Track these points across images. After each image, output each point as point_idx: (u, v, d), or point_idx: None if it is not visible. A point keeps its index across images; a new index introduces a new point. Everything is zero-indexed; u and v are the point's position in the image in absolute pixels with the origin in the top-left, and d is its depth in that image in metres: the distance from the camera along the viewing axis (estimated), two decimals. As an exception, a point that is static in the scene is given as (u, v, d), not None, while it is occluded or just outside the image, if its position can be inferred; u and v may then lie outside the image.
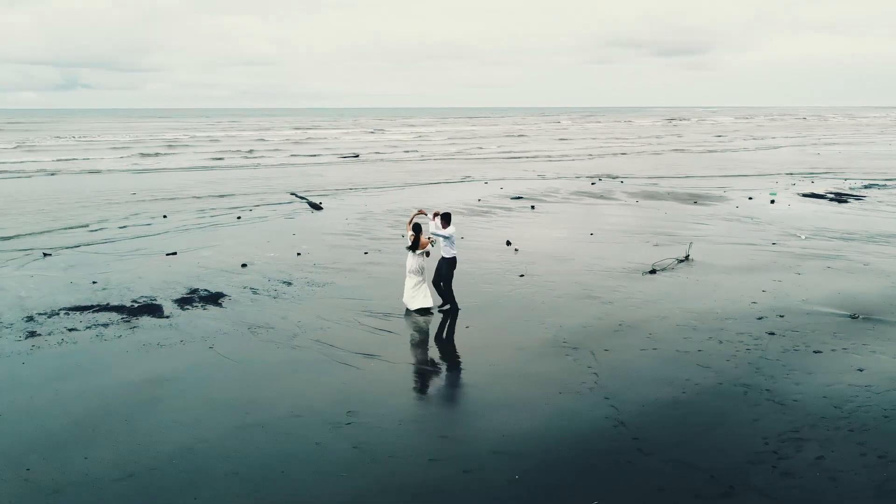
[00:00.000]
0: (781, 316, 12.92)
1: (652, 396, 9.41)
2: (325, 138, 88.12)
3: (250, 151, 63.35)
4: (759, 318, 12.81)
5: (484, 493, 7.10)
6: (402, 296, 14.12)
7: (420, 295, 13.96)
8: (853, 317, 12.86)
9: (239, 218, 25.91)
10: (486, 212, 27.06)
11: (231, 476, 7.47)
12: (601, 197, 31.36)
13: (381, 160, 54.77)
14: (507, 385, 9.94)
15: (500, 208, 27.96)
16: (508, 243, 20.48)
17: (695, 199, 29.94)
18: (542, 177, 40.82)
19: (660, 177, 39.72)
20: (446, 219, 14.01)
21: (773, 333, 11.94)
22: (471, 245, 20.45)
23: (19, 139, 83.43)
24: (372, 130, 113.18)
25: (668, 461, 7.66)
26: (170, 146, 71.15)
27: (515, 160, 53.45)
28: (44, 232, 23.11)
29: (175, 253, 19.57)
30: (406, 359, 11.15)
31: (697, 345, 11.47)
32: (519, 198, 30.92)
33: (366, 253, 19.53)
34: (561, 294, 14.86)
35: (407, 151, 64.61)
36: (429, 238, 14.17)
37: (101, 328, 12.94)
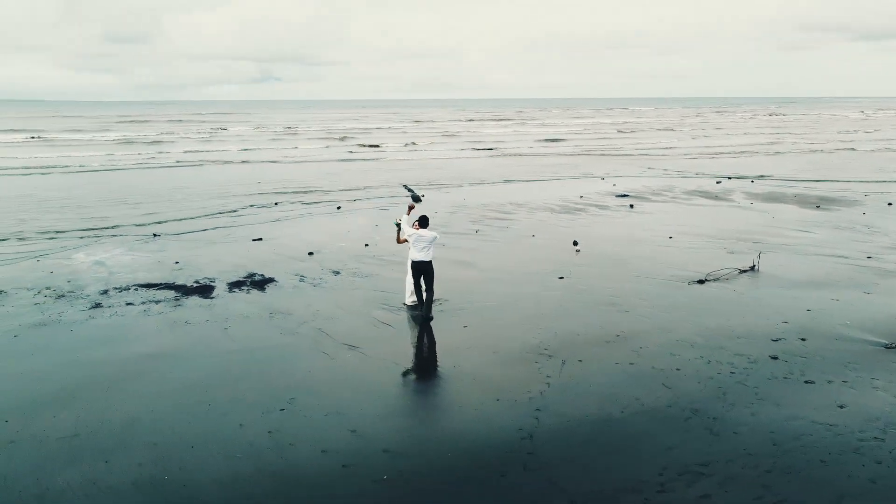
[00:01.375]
0: (803, 339, 11.79)
1: (586, 413, 9.15)
2: (474, 131, 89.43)
3: (376, 146, 65.62)
4: (776, 340, 11.78)
5: (344, 486, 7.45)
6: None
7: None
8: (888, 346, 11.45)
9: (339, 208, 27.49)
10: (579, 210, 26.55)
11: (148, 446, 8.40)
12: (715, 198, 29.49)
13: (517, 154, 54.92)
14: (452, 387, 10.10)
15: (597, 206, 27.28)
16: (575, 243, 20.11)
17: (818, 204, 27.30)
18: (666, 173, 38.98)
19: (800, 179, 36.43)
20: (422, 222, 13.98)
21: (775, 357, 10.98)
22: (537, 243, 20.36)
23: (210, 129, 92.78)
24: (521, 122, 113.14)
25: (541, 480, 7.53)
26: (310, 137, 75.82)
27: (648, 156, 51.30)
28: (170, 219, 26.02)
29: (260, 239, 21.32)
30: (381, 353, 11.57)
31: (680, 363, 10.85)
32: (624, 196, 29.92)
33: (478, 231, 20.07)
34: (585, 299, 14.52)
35: (550, 141, 64.14)
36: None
37: (153, 304, 14.62)
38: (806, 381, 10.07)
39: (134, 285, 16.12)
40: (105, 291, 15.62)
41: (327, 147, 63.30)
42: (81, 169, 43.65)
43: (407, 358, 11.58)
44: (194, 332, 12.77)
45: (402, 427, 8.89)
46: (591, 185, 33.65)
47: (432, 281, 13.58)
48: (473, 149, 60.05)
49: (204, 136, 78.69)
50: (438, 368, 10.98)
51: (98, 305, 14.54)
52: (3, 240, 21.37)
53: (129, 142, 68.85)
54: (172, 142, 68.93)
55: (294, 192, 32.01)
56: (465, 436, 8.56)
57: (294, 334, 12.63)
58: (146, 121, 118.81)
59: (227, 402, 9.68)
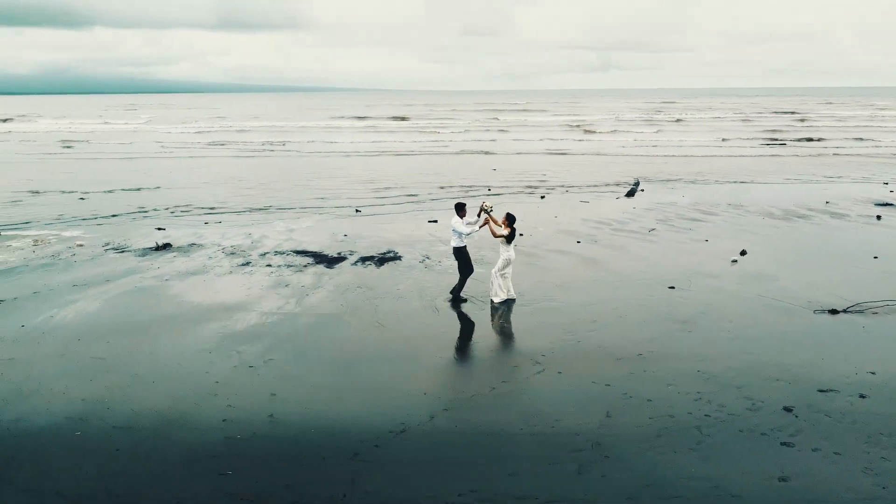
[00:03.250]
0: (863, 396, 9.18)
1: (482, 420, 8.65)
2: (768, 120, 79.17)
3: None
4: (823, 391, 9.38)
5: (164, 459, 8.22)
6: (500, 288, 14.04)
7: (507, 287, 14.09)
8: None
9: (543, 198, 27.57)
10: (803, 217, 22.78)
11: (64, 394, 10.14)
12: None
13: (808, 147, 47.78)
14: (397, 379, 10.13)
15: (832, 214, 23.08)
16: (743, 253, 17.65)
17: None
18: None
19: None
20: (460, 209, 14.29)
21: (755, 410, 8.82)
22: (698, 249, 18.32)
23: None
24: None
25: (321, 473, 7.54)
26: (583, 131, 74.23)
27: None
28: (400, 195, 28.90)
29: (436, 221, 22.67)
30: (382, 339, 11.89)
31: (646, 388, 9.44)
32: (886, 204, 24.67)
33: (578, 242, 19.38)
34: (651, 314, 12.94)
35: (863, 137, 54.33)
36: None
37: (283, 268, 16.89)
38: (782, 443, 8.01)
39: (291, 251, 18.67)
40: (264, 254, 18.39)
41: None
42: (393, 152, 49.87)
43: (398, 346, 11.81)
44: (275, 296, 14.50)
45: (290, 412, 9.43)
46: (855, 190, 28.25)
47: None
48: (764, 143, 53.67)
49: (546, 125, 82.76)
50: (415, 355, 11.08)
51: (246, 264, 17.27)
52: (260, 209, 25.95)
53: (466, 130, 75.78)
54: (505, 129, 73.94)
55: (525, 182, 32.76)
56: (337, 423, 8.80)
57: (340, 305, 13.66)
58: (499, 109, 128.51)
59: (195, 356, 11.18)
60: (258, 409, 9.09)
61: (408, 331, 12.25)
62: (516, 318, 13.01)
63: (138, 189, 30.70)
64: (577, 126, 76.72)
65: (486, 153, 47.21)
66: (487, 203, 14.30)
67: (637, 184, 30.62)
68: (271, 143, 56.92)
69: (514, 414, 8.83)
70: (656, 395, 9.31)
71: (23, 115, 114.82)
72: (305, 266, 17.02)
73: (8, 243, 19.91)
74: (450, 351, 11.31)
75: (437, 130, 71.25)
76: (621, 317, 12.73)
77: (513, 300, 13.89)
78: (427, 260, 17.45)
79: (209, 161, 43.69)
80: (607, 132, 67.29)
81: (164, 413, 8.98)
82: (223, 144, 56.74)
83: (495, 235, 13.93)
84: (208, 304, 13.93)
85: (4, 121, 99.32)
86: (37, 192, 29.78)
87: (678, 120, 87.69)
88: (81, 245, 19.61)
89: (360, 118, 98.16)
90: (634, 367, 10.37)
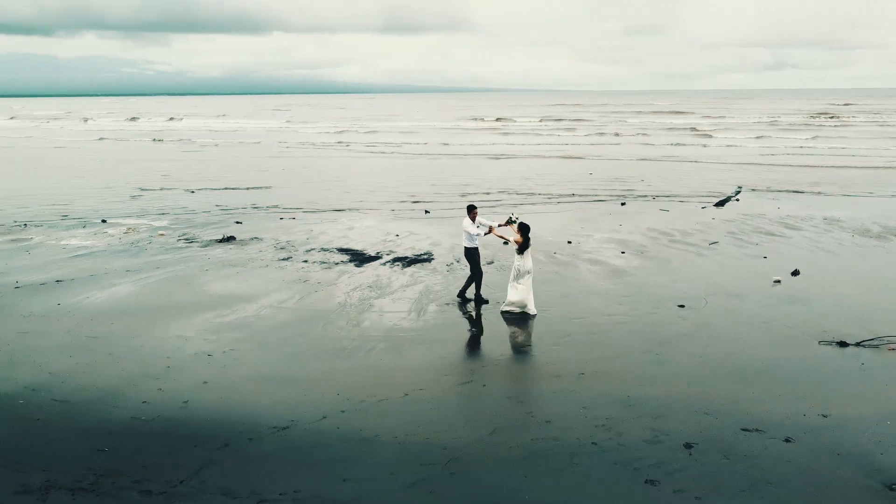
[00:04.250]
0: (752, 430, 8.23)
1: (366, 425, 8.77)
2: None
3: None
4: (696, 428, 8.51)
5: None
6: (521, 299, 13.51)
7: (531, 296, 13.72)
8: (891, 488, 7.26)
9: (623, 204, 26.56)
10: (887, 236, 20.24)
11: (40, 367, 11.40)
12: None
13: None
14: (327, 376, 10.47)
15: (940, 235, 20.30)
16: (795, 273, 16.13)
17: None
18: None
19: None
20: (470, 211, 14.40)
21: (652, 443, 8.14)
22: (747, 267, 17.02)
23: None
24: None
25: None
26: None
27: None
28: (480, 198, 29.14)
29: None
30: (345, 337, 12.25)
31: (556, 409, 9.00)
32: None
33: (623, 252, 18.60)
34: (631, 333, 12.24)
35: None
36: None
37: (317, 265, 17.70)
38: (647, 481, 7.43)
39: (335, 248, 19.52)
40: (309, 250, 19.37)
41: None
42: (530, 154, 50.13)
43: (368, 346, 12.10)
44: (285, 287, 15.35)
45: (201, 399, 10.01)
46: None
47: None
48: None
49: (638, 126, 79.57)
50: (365, 349, 11.34)
51: (287, 259, 18.30)
52: (338, 210, 27.32)
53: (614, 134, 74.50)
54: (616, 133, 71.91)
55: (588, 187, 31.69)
56: (226, 413, 9.28)
57: (342, 304, 14.18)
58: (640, 110, 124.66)
59: (166, 340, 12.10)
60: (181, 394, 9.81)
61: (375, 331, 12.53)
62: (491, 327, 12.87)
63: (247, 188, 33.23)
64: (709, 129, 72.23)
65: (598, 157, 45.96)
66: (515, 215, 14.23)
67: (737, 192, 28.59)
68: (390, 144, 58.95)
69: (401, 422, 8.86)
70: (560, 417, 8.94)
71: (191, 114, 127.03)
72: (336, 263, 17.74)
73: (106, 230, 22.46)
74: (397, 353, 11.44)
75: (557, 133, 69.92)
76: (593, 333, 12.20)
77: (530, 315, 13.27)
78: (456, 263, 17.55)
79: (321, 161, 46.15)
80: (747, 136, 62.80)
81: (104, 390, 9.95)
82: (348, 145, 59.56)
83: (504, 238, 14.21)
84: (222, 294, 15.01)
85: (171, 119, 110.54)
86: (161, 188, 33.16)
87: (844, 124, 79.91)
88: (163, 235, 21.71)
89: (498, 119, 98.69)
90: (565, 385, 9.97)
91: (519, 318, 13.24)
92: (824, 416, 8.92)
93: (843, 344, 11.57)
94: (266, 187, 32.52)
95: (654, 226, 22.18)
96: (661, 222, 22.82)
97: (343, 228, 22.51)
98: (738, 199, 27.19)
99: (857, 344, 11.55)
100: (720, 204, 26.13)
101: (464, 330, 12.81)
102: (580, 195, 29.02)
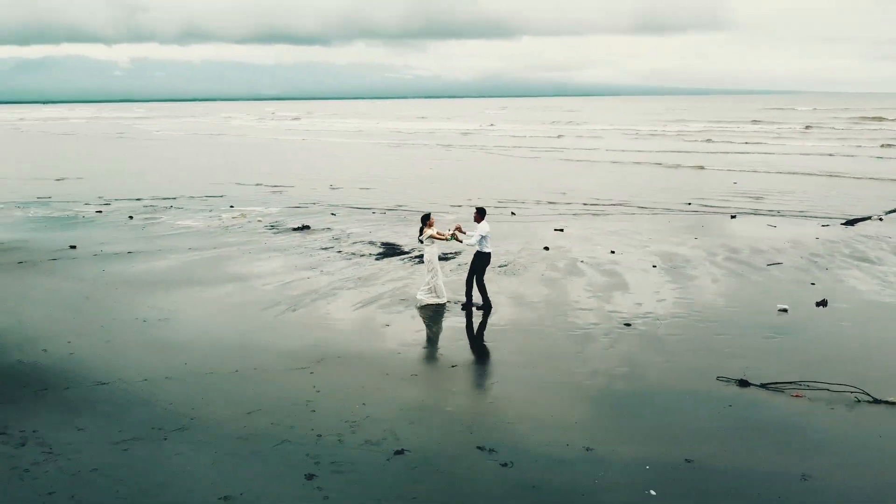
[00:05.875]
0: (457, 456, 7.50)
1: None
2: None
3: None
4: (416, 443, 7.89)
5: None
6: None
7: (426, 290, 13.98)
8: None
9: (733, 217, 23.96)
10: None
11: (35, 327, 13.61)
12: None
13: None
14: (250, 363, 11.42)
15: None
16: (822, 304, 13.77)
17: None
18: None
19: None
20: (480, 214, 13.97)
21: (369, 446, 7.80)
22: (784, 294, 14.87)
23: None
24: None
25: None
26: None
27: None
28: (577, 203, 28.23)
29: (562, 230, 21.95)
30: (287, 324, 13.15)
31: (335, 407, 9.02)
32: None
33: (654, 266, 17.12)
34: (525, 346, 11.53)
35: None
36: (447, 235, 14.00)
37: (347, 255, 18.82)
38: (306, 475, 7.35)
39: (379, 241, 20.50)
40: (355, 242, 20.54)
41: None
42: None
43: (316, 350, 12.88)
44: (300, 273, 16.59)
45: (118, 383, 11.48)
46: None
47: None
48: None
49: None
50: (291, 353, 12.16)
51: (329, 248, 19.67)
52: (416, 211, 28.26)
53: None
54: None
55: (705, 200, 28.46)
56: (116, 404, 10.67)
57: (325, 291, 15.06)
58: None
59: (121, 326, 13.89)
60: (85, 349, 11.45)
61: (325, 320, 13.21)
62: (434, 327, 12.94)
63: (366, 188, 35.46)
64: None
65: (772, 169, 41.03)
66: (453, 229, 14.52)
67: (889, 212, 24.19)
68: (554, 148, 57.91)
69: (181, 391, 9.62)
70: (333, 413, 9.03)
71: (423, 117, 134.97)
72: (364, 255, 18.68)
73: (222, 214, 25.76)
74: (272, 332, 12.10)
75: (763, 141, 62.28)
76: (495, 342, 11.72)
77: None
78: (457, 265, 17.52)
79: (464, 163, 47.05)
80: None
81: (31, 337, 11.97)
82: (536, 150, 59.73)
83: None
84: (229, 273, 16.74)
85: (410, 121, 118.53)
86: (331, 186, 36.66)
87: None
88: (259, 221, 24.38)
89: (755, 122, 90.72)
90: (380, 386, 9.93)
91: (452, 318, 13.12)
92: (591, 450, 7.92)
93: (744, 384, 9.85)
94: (371, 188, 34.42)
95: (734, 241, 19.84)
96: (750, 237, 20.33)
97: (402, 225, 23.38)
98: (881, 219, 23.01)
99: (763, 385, 9.76)
100: (851, 223, 22.38)
101: (416, 329, 13.04)
102: (706, 202, 26.63)
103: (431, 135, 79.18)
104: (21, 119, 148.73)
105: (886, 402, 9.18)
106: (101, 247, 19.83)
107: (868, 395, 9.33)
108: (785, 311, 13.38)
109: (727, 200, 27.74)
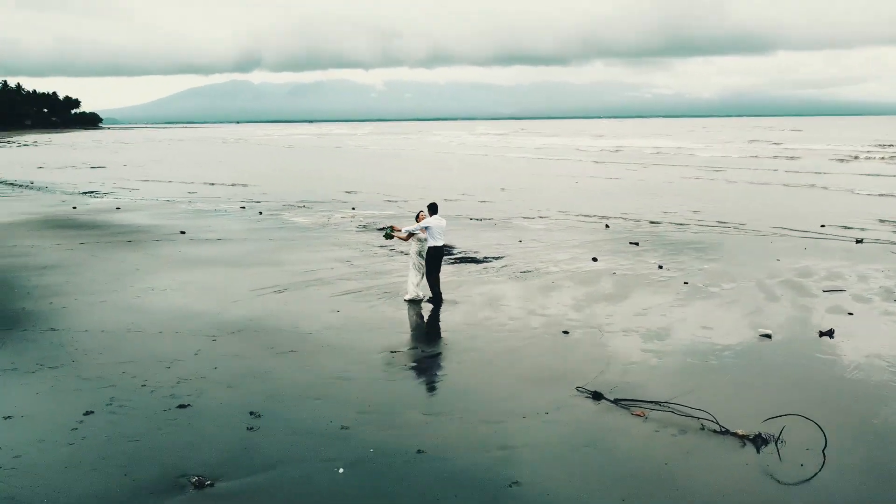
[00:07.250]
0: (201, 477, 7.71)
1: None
2: None
3: None
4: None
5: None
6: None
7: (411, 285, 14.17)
8: None
9: (860, 242, 20.58)
10: None
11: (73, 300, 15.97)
12: None
13: None
14: (208, 355, 12.87)
15: None
16: (828, 334, 11.76)
17: None
18: None
19: None
20: (431, 209, 14.11)
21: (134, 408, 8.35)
22: (783, 321, 13.01)
23: None
24: None
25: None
26: None
27: None
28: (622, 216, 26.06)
29: (595, 259, 20.67)
30: (277, 312, 14.23)
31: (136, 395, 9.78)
32: None
33: (686, 283, 15.63)
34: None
35: None
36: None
37: (379, 249, 19.60)
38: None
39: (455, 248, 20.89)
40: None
41: None
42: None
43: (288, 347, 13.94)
44: (333, 266, 17.77)
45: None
46: None
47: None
48: None
49: None
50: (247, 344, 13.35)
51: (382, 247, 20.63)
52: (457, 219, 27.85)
53: None
54: None
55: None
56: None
57: (337, 281, 16.10)
58: None
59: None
60: (70, 308, 13.48)
61: (291, 304, 14.11)
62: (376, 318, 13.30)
63: (482, 201, 35.45)
64: None
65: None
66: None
67: None
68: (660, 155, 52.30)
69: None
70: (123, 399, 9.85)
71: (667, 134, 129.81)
72: (400, 254, 19.23)
73: (335, 214, 27.82)
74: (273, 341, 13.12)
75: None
76: (450, 344, 11.70)
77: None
78: (497, 269, 17.31)
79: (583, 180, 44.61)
80: None
81: (55, 304, 14.28)
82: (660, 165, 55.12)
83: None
84: (276, 259, 18.24)
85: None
86: (464, 194, 37.81)
87: None
88: (351, 220, 26.02)
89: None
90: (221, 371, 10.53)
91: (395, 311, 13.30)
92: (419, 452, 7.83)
93: (597, 396, 8.87)
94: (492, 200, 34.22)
95: (821, 265, 17.20)
96: (846, 263, 17.48)
97: (470, 234, 23.39)
98: None
99: (617, 401, 8.71)
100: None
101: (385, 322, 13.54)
102: (838, 230, 23.21)
103: (616, 153, 76.25)
104: (267, 134, 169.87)
105: (732, 434, 7.76)
106: (206, 234, 22.63)
107: (717, 424, 7.94)
108: (767, 336, 11.55)
109: (869, 227, 23.81)
